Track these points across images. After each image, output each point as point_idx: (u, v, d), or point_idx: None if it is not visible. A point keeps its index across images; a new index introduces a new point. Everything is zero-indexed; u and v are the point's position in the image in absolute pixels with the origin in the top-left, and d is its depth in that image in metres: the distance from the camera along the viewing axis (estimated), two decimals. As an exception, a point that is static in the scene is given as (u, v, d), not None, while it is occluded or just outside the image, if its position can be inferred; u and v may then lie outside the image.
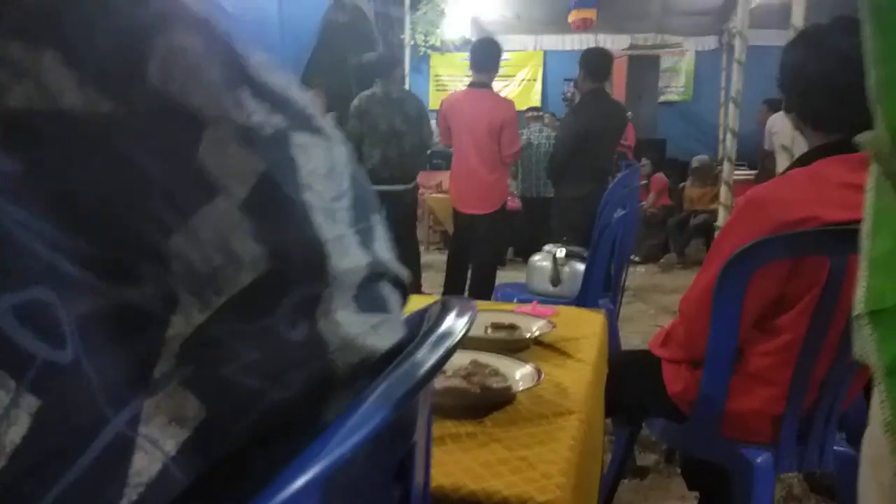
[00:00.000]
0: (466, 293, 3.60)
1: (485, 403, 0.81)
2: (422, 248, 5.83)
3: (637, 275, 5.36)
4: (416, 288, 4.18)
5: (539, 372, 0.87)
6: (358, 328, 0.28)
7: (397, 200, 3.97)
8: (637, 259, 5.70)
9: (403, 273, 0.32)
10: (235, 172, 0.25)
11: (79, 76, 0.23)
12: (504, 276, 4.81)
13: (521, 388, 0.84)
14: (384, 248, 0.31)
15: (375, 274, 0.29)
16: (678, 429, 1.47)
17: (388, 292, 0.31)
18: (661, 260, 5.63)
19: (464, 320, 0.32)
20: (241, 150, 0.25)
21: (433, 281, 4.45)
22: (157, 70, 0.24)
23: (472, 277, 3.57)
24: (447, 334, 0.29)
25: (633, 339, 3.42)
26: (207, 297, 0.24)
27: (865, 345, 0.30)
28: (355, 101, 3.87)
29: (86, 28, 0.23)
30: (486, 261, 3.56)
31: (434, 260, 5.47)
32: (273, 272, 0.25)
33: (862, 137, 0.30)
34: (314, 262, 0.26)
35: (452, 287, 3.63)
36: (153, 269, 0.23)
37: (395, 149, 3.81)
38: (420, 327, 0.32)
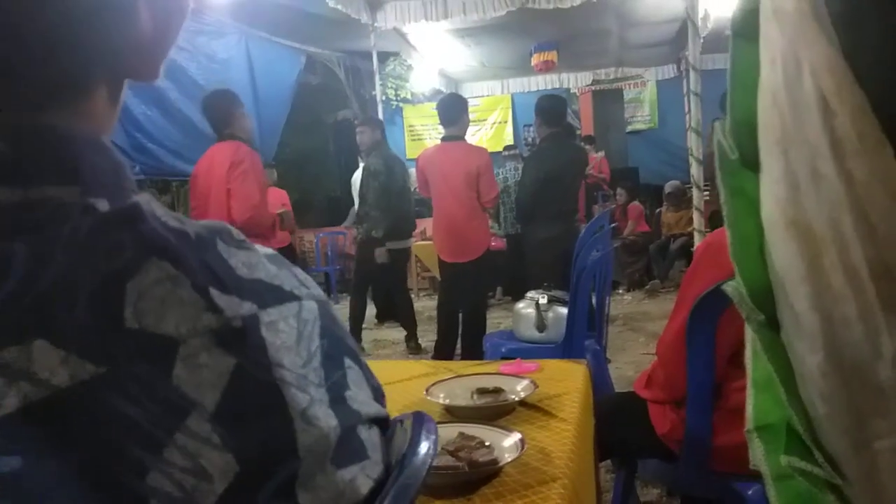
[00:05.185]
0: (459, 340, 3.64)
1: (473, 479, 0.86)
2: (412, 296, 5.88)
3: (624, 303, 5.42)
4: (412, 335, 4.23)
5: (523, 442, 0.92)
6: (336, 488, 0.29)
7: (402, 255, 4.12)
8: (622, 289, 5.78)
9: (379, 410, 0.33)
10: (207, 381, 0.26)
11: (64, 353, 0.24)
12: (496, 317, 4.86)
13: (507, 459, 0.89)
14: (358, 391, 0.31)
15: (349, 427, 0.30)
16: (670, 468, 1.51)
17: (366, 435, 0.31)
18: (647, 286, 5.71)
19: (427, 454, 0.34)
20: (212, 355, 0.26)
21: (425, 328, 4.49)
22: (131, 314, 0.25)
23: (463, 325, 3.62)
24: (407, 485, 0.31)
25: (627, 369, 3.44)
26: None
27: (756, 455, 0.36)
28: (379, 161, 3.87)
29: (68, 302, 0.24)
30: (475, 309, 3.62)
31: (424, 306, 5.51)
32: (244, 473, 0.26)
33: (727, 287, 0.37)
34: (284, 446, 0.27)
35: (445, 335, 3.66)
36: None
37: (408, 203, 4.06)
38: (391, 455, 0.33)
